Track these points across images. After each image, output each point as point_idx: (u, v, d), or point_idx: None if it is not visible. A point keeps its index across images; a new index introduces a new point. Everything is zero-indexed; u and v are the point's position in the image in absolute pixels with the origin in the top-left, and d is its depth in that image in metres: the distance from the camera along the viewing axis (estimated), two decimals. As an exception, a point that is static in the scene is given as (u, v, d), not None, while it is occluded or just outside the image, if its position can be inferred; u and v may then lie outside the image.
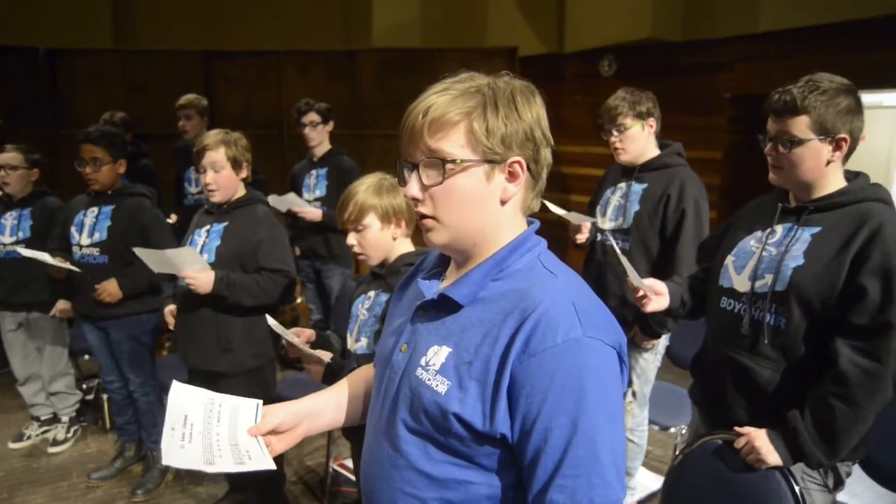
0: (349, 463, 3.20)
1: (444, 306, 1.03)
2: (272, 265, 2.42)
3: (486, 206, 0.98)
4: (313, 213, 3.75)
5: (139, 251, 2.36)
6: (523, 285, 0.97)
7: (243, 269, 2.43)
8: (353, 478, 3.10)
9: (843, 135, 1.54)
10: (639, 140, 2.55)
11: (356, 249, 1.89)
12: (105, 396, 3.53)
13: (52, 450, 3.44)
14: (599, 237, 2.71)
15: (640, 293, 1.82)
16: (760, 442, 1.53)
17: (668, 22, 5.07)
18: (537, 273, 0.99)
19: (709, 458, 1.66)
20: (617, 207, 2.64)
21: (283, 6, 6.62)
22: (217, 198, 2.45)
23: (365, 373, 1.35)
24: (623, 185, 2.64)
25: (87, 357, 3.73)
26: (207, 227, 2.49)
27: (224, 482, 2.99)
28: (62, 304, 3.22)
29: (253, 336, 2.51)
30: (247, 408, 1.17)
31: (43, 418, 3.55)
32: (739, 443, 1.58)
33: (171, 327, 2.67)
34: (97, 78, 5.93)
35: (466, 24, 6.53)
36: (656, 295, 1.84)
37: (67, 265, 2.80)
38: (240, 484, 2.87)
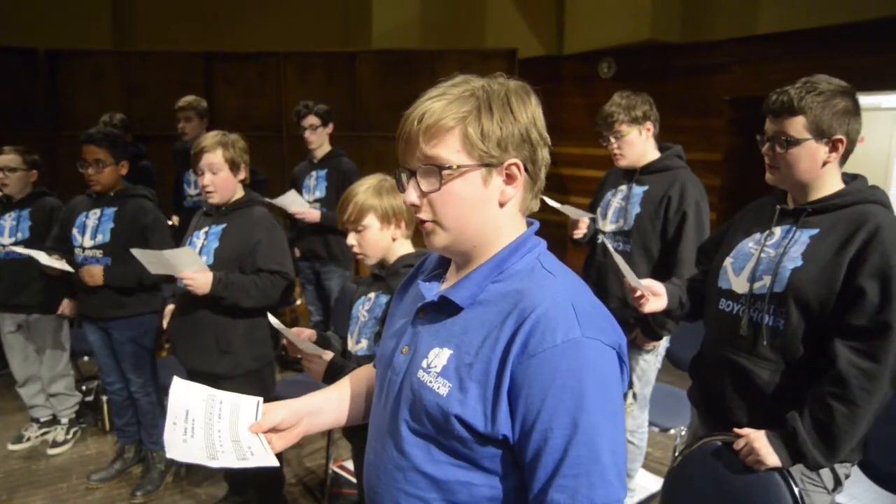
0: (349, 464, 3.20)
1: (444, 308, 1.03)
2: (270, 267, 2.42)
3: (485, 209, 0.98)
4: (312, 214, 3.75)
5: (137, 252, 2.36)
6: (523, 286, 0.98)
7: (241, 270, 2.43)
8: (352, 479, 3.10)
9: (839, 136, 1.54)
10: (637, 145, 2.55)
11: (356, 250, 1.89)
12: (105, 398, 3.52)
13: (51, 451, 3.43)
14: (601, 238, 2.72)
15: (638, 293, 1.83)
16: (760, 443, 1.53)
17: (668, 24, 5.08)
18: (537, 274, 1.00)
19: (708, 459, 1.66)
20: (618, 210, 2.65)
21: (283, 8, 6.63)
22: (215, 199, 2.45)
23: (366, 372, 1.35)
24: (624, 187, 2.65)
25: (86, 359, 3.73)
26: (206, 228, 2.49)
27: (223, 483, 2.98)
28: (66, 306, 3.22)
29: (253, 338, 2.51)
30: (247, 405, 1.17)
31: (42, 420, 3.54)
32: (739, 444, 1.59)
33: (164, 326, 2.67)
34: (97, 79, 5.93)
35: (466, 25, 6.54)
36: (654, 295, 1.85)
37: (61, 265, 2.79)
38: (239, 485, 2.86)
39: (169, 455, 1.01)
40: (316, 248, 3.92)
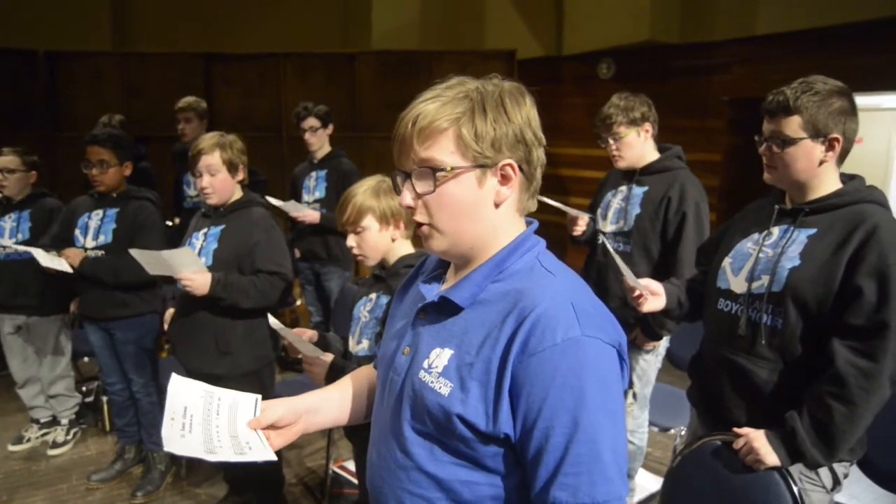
0: (349, 465, 3.21)
1: (444, 309, 1.03)
2: (268, 267, 2.42)
3: (481, 210, 0.99)
4: (312, 215, 3.75)
5: (135, 252, 2.36)
6: (522, 286, 0.98)
7: (240, 271, 2.43)
8: (353, 480, 3.10)
9: (835, 135, 1.55)
10: (635, 146, 2.55)
11: (355, 251, 1.90)
12: (105, 398, 3.53)
13: (51, 452, 3.43)
14: (601, 239, 2.72)
15: (637, 293, 1.83)
16: (759, 443, 1.54)
17: (667, 25, 5.08)
18: (536, 273, 1.00)
19: (707, 459, 1.66)
20: (618, 211, 2.65)
21: (282, 8, 6.63)
22: (213, 201, 2.46)
23: (367, 372, 1.35)
24: (624, 188, 2.65)
25: (86, 359, 3.73)
26: (205, 230, 2.50)
27: (223, 484, 2.99)
28: (74, 306, 3.23)
29: (252, 339, 2.52)
30: (245, 402, 1.17)
31: (42, 421, 3.54)
32: (738, 444, 1.59)
33: (165, 327, 2.67)
34: (96, 80, 5.94)
35: (465, 26, 6.55)
36: (652, 295, 1.85)
37: (60, 265, 2.78)
38: (240, 486, 2.87)
39: (166, 449, 1.01)
40: (316, 249, 3.92)
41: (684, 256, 2.46)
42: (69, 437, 3.52)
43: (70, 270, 2.81)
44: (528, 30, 6.19)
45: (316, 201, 3.89)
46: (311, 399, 1.25)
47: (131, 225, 2.86)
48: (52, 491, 3.12)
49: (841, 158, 1.61)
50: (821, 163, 1.58)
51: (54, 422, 3.56)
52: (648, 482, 3.08)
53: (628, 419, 2.68)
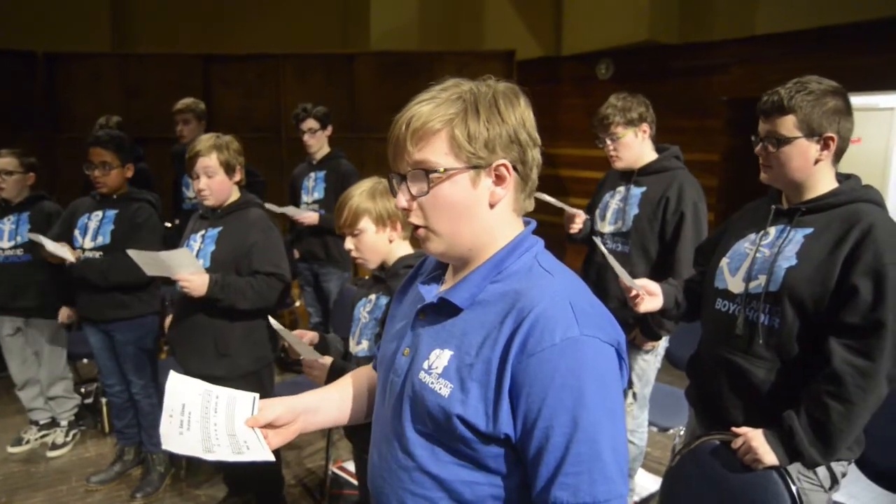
0: (349, 465, 3.20)
1: (444, 310, 1.03)
2: (266, 269, 2.42)
3: (476, 211, 0.99)
4: (310, 217, 3.76)
5: (133, 253, 2.36)
6: (521, 286, 0.98)
7: (238, 272, 2.43)
8: (352, 480, 3.10)
9: (829, 134, 1.56)
10: (633, 146, 2.56)
11: (354, 254, 1.90)
12: (104, 400, 3.52)
13: (50, 454, 3.43)
14: (597, 241, 2.72)
15: (633, 293, 1.84)
16: (757, 442, 1.54)
17: (665, 25, 5.09)
18: (535, 273, 1.00)
19: (706, 458, 1.66)
20: (616, 211, 2.66)
21: (281, 9, 6.64)
22: (211, 202, 2.45)
23: (367, 372, 1.35)
24: (622, 188, 2.66)
25: (85, 361, 3.73)
26: (202, 232, 2.49)
27: (223, 485, 2.98)
28: (64, 312, 3.22)
29: (251, 340, 2.52)
30: (243, 400, 1.17)
31: (41, 422, 3.54)
32: (736, 443, 1.59)
33: (165, 330, 2.67)
34: (95, 81, 5.94)
35: (464, 27, 6.56)
36: (649, 295, 1.86)
37: (65, 253, 2.78)
38: (239, 487, 2.87)
39: (164, 447, 1.01)
40: (315, 250, 3.92)
41: (682, 256, 2.46)
42: (68, 439, 3.52)
43: (73, 259, 2.81)
44: (526, 30, 6.19)
45: (315, 202, 3.89)
46: (310, 399, 1.25)
47: (129, 226, 2.86)
48: (52, 493, 3.11)
49: (836, 158, 1.61)
50: (816, 162, 1.59)
51: (53, 423, 3.56)
52: (648, 482, 3.09)
53: (628, 419, 2.68)
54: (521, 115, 0.98)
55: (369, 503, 1.14)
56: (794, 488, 1.52)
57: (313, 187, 3.91)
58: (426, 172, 0.96)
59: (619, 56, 5.64)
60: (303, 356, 1.82)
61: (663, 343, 2.69)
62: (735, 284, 1.70)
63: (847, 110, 1.58)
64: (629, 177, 2.63)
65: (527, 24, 6.19)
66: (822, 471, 1.60)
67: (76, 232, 2.90)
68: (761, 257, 1.66)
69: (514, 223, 1.04)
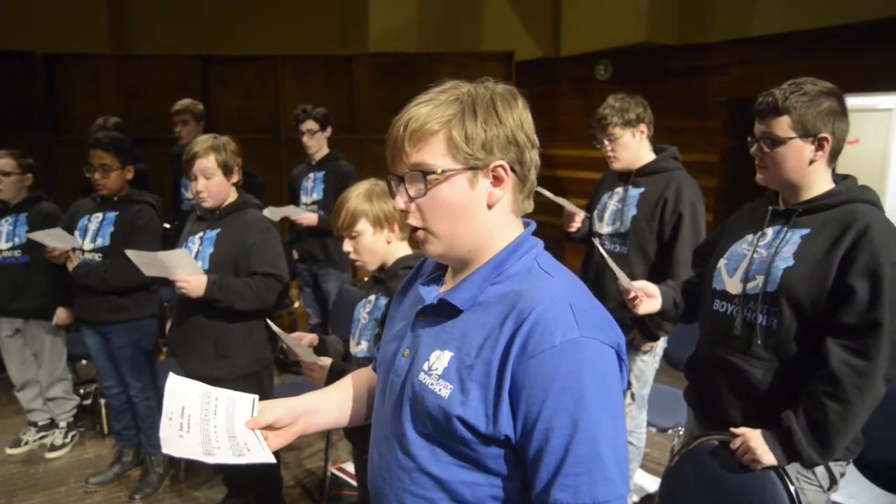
0: (348, 467, 3.21)
1: (444, 311, 1.03)
2: (264, 269, 2.42)
3: (474, 212, 0.99)
4: (310, 217, 3.76)
5: (131, 253, 2.35)
6: (521, 287, 0.98)
7: (237, 274, 2.43)
8: (352, 482, 3.10)
9: (824, 134, 1.57)
10: (630, 147, 2.56)
11: (353, 256, 1.90)
12: (103, 401, 3.52)
13: (49, 455, 3.43)
14: (595, 241, 2.73)
15: (632, 295, 1.84)
16: (755, 442, 1.55)
17: (664, 26, 5.10)
18: (534, 275, 1.00)
19: (705, 458, 1.67)
20: (614, 212, 2.66)
21: (280, 10, 6.64)
22: (209, 204, 2.45)
23: (367, 374, 1.35)
24: (620, 189, 2.66)
25: (84, 362, 3.73)
26: (200, 234, 2.49)
27: (222, 486, 2.98)
28: (62, 313, 3.22)
29: (251, 341, 2.51)
30: (243, 402, 1.17)
31: (40, 424, 3.54)
32: (735, 443, 1.60)
33: (166, 331, 2.67)
34: (94, 82, 5.94)
35: (463, 28, 6.56)
36: (648, 297, 1.86)
37: (66, 240, 2.78)
38: (238, 488, 2.87)
39: (165, 450, 1.01)
40: (314, 251, 3.92)
41: (680, 257, 2.47)
42: (67, 440, 3.52)
43: (78, 244, 2.81)
44: (525, 31, 6.20)
45: (314, 203, 3.90)
46: (310, 400, 1.25)
47: (129, 228, 2.86)
48: (50, 494, 3.11)
49: (832, 158, 1.62)
50: (811, 162, 1.60)
51: (52, 425, 3.55)
52: (646, 482, 3.09)
53: (626, 420, 2.68)
54: (518, 117, 0.98)
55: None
56: (792, 488, 1.52)
57: (312, 188, 3.92)
58: (424, 174, 0.97)
59: (618, 57, 5.64)
60: (302, 358, 1.82)
61: (661, 344, 2.69)
62: (733, 285, 1.70)
63: (842, 111, 1.59)
64: (627, 178, 2.64)
65: (525, 25, 6.20)
66: (820, 471, 1.60)
67: (76, 233, 2.90)
68: (759, 258, 1.66)
69: (514, 224, 1.04)
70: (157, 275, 2.38)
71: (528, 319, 0.93)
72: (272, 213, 3.53)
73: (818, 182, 1.63)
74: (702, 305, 1.84)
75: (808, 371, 1.55)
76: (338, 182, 3.77)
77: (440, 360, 1.00)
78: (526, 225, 1.07)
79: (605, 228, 2.68)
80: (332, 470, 3.18)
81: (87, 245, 2.87)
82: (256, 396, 1.19)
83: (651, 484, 3.06)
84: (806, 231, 1.60)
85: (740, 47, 4.80)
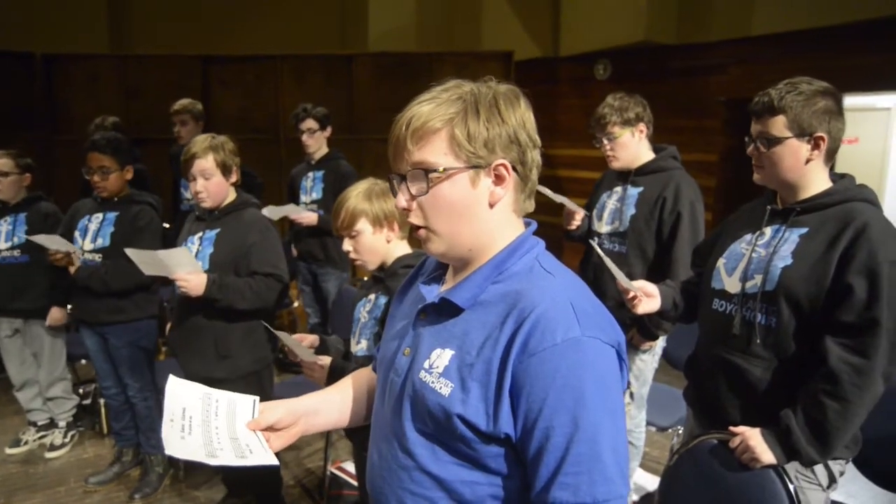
0: (347, 466, 3.21)
1: (445, 310, 1.04)
2: (264, 269, 2.42)
3: (475, 211, 0.99)
4: (309, 217, 3.76)
5: (131, 252, 2.35)
6: (522, 287, 0.98)
7: (237, 273, 2.43)
8: (351, 481, 3.10)
9: (820, 133, 1.57)
10: (629, 146, 2.56)
11: (352, 256, 1.90)
12: (102, 401, 3.52)
13: (49, 455, 3.43)
14: (594, 241, 2.73)
15: (631, 294, 1.84)
16: (755, 441, 1.55)
17: (663, 25, 5.10)
18: (535, 274, 1.00)
19: (704, 457, 1.67)
20: (613, 211, 2.66)
21: (280, 10, 6.64)
22: (208, 204, 2.45)
23: (366, 374, 1.35)
24: (619, 188, 2.66)
25: (83, 362, 3.73)
26: (200, 234, 2.48)
27: (222, 486, 2.98)
28: (55, 313, 3.22)
29: (252, 341, 2.51)
30: (244, 403, 1.17)
31: (40, 423, 3.54)
32: (734, 442, 1.60)
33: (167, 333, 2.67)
34: (93, 82, 5.94)
35: (462, 28, 6.57)
36: (647, 296, 1.86)
37: (65, 245, 2.78)
38: (238, 488, 2.87)
39: (167, 452, 1.01)
40: (313, 251, 3.92)
41: (679, 257, 2.47)
42: (67, 440, 3.52)
43: (75, 249, 2.81)
44: (524, 31, 6.20)
45: (313, 202, 3.89)
46: (311, 401, 1.25)
47: (130, 229, 2.86)
48: (50, 494, 3.11)
49: (828, 157, 1.62)
50: (807, 161, 1.60)
51: (52, 424, 3.55)
52: (646, 481, 3.09)
53: (626, 419, 2.68)
54: (521, 117, 0.99)
55: (369, 503, 1.14)
56: (791, 487, 1.53)
57: (311, 187, 3.92)
58: (426, 172, 0.97)
59: (617, 56, 5.65)
60: (302, 358, 1.82)
61: (661, 343, 2.69)
62: (732, 284, 1.71)
63: (838, 110, 1.59)
64: (626, 177, 2.64)
65: (525, 25, 6.20)
66: (820, 469, 1.61)
67: (76, 234, 2.90)
68: (757, 257, 1.67)
69: (515, 224, 1.04)
70: (157, 273, 2.38)
71: (528, 318, 0.93)
72: (272, 212, 3.53)
73: (815, 181, 1.63)
74: (701, 305, 1.85)
75: (806, 370, 1.56)
76: (337, 182, 3.77)
77: (441, 358, 1.00)
78: (527, 224, 1.07)
79: (603, 228, 2.68)
80: (332, 469, 3.19)
81: (88, 245, 2.86)
82: (257, 398, 1.19)
83: (651, 483, 3.06)
84: (804, 230, 1.61)
85: (739, 47, 4.81)
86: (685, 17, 5.09)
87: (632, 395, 2.67)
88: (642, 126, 2.55)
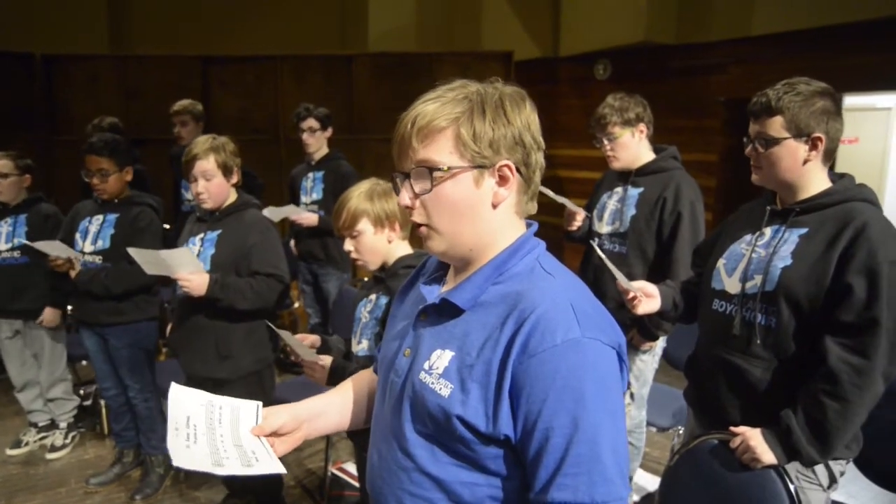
0: (348, 467, 3.21)
1: (445, 310, 1.04)
2: (265, 269, 2.42)
3: (478, 211, 0.99)
4: (310, 218, 3.76)
5: (133, 251, 2.35)
6: (522, 287, 0.98)
7: (238, 274, 2.43)
8: (352, 482, 3.10)
9: (818, 134, 1.57)
10: (630, 147, 2.56)
11: (354, 256, 1.91)
12: (103, 402, 3.52)
13: (49, 456, 3.43)
14: (594, 241, 2.73)
15: (631, 295, 1.84)
16: (755, 441, 1.55)
17: (663, 25, 5.10)
18: (536, 275, 1.01)
19: (704, 457, 1.67)
20: (614, 212, 2.66)
21: (280, 11, 6.64)
22: (209, 205, 2.45)
23: (367, 376, 1.35)
24: (619, 189, 2.66)
25: (84, 363, 3.72)
26: (201, 235, 2.48)
27: (222, 487, 2.98)
28: (49, 314, 3.22)
29: (253, 341, 2.51)
30: (247, 409, 1.17)
31: (41, 424, 3.54)
32: (734, 442, 1.60)
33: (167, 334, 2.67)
34: (93, 83, 5.93)
35: (462, 28, 6.57)
36: (647, 297, 1.86)
37: (63, 251, 2.78)
38: (238, 489, 2.87)
39: (175, 464, 1.00)
40: (314, 251, 3.92)
41: (679, 257, 2.47)
42: (67, 441, 3.52)
43: (76, 254, 2.81)
44: (524, 31, 6.20)
45: (313, 202, 3.90)
46: (314, 405, 1.25)
47: (129, 231, 2.86)
48: (51, 495, 3.11)
49: (826, 158, 1.62)
50: (805, 162, 1.60)
51: (52, 425, 3.55)
52: (646, 481, 3.09)
53: (626, 419, 2.68)
54: (526, 118, 0.99)
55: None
56: (792, 487, 1.53)
57: (311, 188, 3.92)
58: (430, 170, 0.97)
59: (617, 56, 5.64)
60: (303, 357, 1.83)
61: (661, 343, 2.69)
62: (731, 285, 1.71)
63: (836, 111, 1.59)
64: (626, 177, 2.64)
65: (525, 25, 6.20)
66: (820, 469, 1.61)
67: (77, 235, 2.90)
68: (757, 257, 1.67)
69: (517, 225, 1.04)
70: (160, 273, 2.38)
71: (529, 319, 0.93)
72: (272, 213, 3.53)
73: (814, 181, 1.63)
74: (701, 305, 1.85)
75: (806, 370, 1.56)
76: (337, 182, 3.77)
77: (441, 359, 1.00)
78: (528, 226, 1.07)
79: (604, 228, 2.69)
80: (333, 470, 3.19)
81: (88, 247, 2.86)
82: (260, 403, 1.19)
83: (651, 483, 3.06)
84: (804, 230, 1.61)
85: (739, 47, 4.81)
86: (685, 17, 5.09)
87: (632, 395, 2.68)
88: (642, 126, 2.55)
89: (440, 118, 0.96)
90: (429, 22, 6.53)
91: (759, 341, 1.62)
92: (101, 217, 2.89)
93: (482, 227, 1.00)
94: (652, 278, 2.32)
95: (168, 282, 2.41)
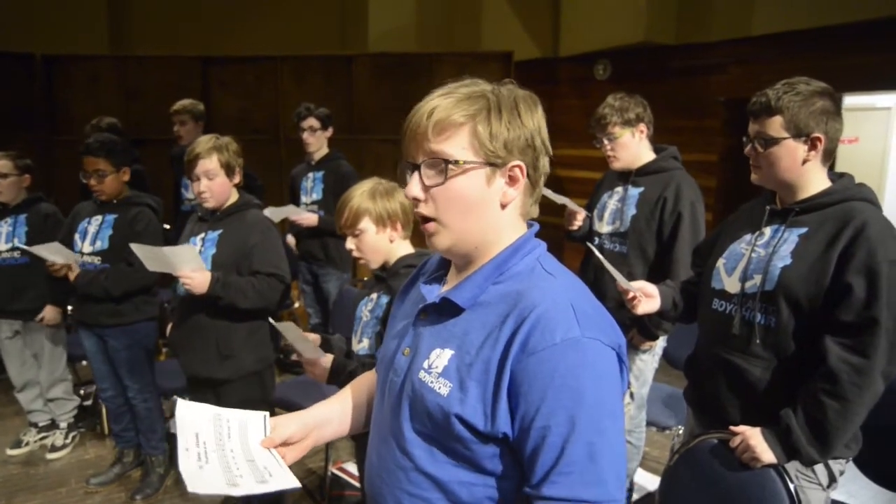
0: (348, 467, 3.21)
1: (445, 310, 1.04)
2: (266, 269, 2.42)
3: (487, 208, 1.00)
4: (310, 218, 3.76)
5: (136, 248, 2.35)
6: (522, 287, 0.99)
7: (239, 274, 2.43)
8: (353, 482, 3.10)
9: (817, 134, 1.57)
10: (630, 147, 2.57)
11: (355, 254, 1.91)
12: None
13: (50, 456, 3.43)
14: (595, 241, 2.73)
15: (631, 295, 1.84)
16: (755, 440, 1.55)
17: (663, 25, 5.10)
18: (536, 275, 1.01)
19: (704, 457, 1.67)
20: (614, 212, 2.66)
21: (280, 11, 6.64)
22: (211, 205, 2.45)
23: (367, 380, 1.36)
24: (620, 189, 2.66)
25: (84, 363, 3.72)
26: (202, 235, 2.48)
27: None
28: (49, 312, 3.22)
29: (254, 340, 2.51)
30: (255, 421, 1.17)
31: (41, 424, 3.54)
32: (734, 442, 1.60)
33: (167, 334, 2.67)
34: (93, 83, 5.94)
35: (462, 28, 6.56)
36: (646, 297, 1.87)
37: (63, 255, 2.78)
38: (238, 488, 2.86)
39: (191, 490, 0.98)
40: (314, 251, 3.93)
41: (680, 257, 2.47)
42: (68, 441, 3.52)
43: (76, 257, 2.80)
44: (524, 31, 6.20)
45: (313, 203, 3.90)
46: (320, 412, 1.25)
47: (129, 231, 2.86)
48: (51, 495, 3.11)
49: (826, 158, 1.63)
50: (804, 162, 1.60)
51: (53, 425, 3.56)
52: (646, 481, 3.09)
53: (626, 419, 2.68)
54: (538, 122, 1.00)
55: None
56: (792, 486, 1.53)
57: (311, 188, 3.92)
58: (445, 163, 0.97)
59: (617, 57, 5.65)
60: (305, 355, 1.83)
61: (661, 343, 2.70)
62: (731, 284, 1.71)
63: (836, 111, 1.59)
64: (627, 177, 2.64)
65: (524, 26, 6.20)
66: (820, 469, 1.61)
67: (76, 236, 2.90)
68: (756, 257, 1.67)
69: (519, 226, 1.05)
70: (161, 270, 2.37)
71: (528, 318, 0.94)
72: (273, 213, 3.53)
73: (814, 181, 1.63)
74: (701, 305, 1.85)
75: (806, 369, 1.56)
76: (337, 182, 3.78)
77: (440, 358, 1.00)
78: (529, 226, 1.07)
79: (604, 228, 2.69)
80: (333, 470, 3.19)
81: (87, 248, 2.86)
82: (267, 413, 1.19)
83: (651, 483, 3.06)
84: (803, 230, 1.61)
85: (739, 47, 4.81)
86: (685, 17, 5.09)
87: (632, 395, 2.68)
88: (643, 126, 2.55)
89: (458, 113, 0.96)
90: (429, 22, 6.53)
91: (758, 341, 1.62)
92: (99, 218, 2.89)
93: (488, 225, 1.01)
94: (652, 278, 2.33)
95: (167, 282, 2.41)
